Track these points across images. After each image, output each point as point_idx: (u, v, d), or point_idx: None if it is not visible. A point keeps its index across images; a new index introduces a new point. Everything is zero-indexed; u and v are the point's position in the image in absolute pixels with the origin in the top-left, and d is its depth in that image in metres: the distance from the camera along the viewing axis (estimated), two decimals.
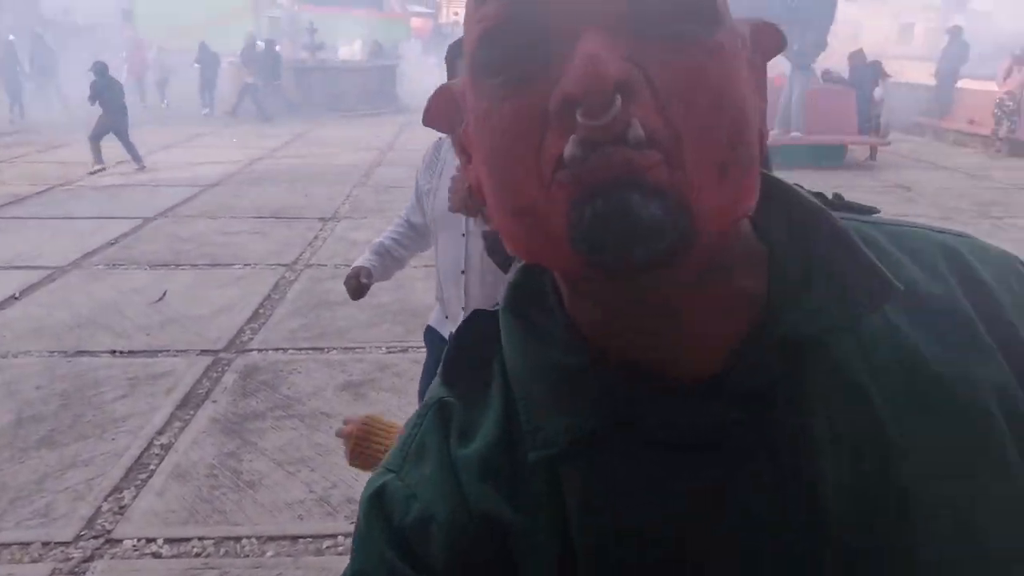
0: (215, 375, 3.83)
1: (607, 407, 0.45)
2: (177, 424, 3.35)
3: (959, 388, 0.46)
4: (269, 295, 5.05)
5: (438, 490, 0.49)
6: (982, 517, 0.44)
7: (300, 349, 4.19)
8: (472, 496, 0.48)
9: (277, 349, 4.18)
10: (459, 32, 0.56)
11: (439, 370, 0.54)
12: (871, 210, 0.56)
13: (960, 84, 14.39)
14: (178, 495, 2.84)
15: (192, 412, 3.46)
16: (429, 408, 0.53)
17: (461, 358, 0.53)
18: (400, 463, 0.52)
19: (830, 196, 0.55)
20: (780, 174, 0.51)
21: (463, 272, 1.98)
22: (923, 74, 16.27)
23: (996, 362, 0.47)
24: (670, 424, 0.44)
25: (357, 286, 2.14)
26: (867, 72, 11.11)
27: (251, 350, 4.16)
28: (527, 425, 0.47)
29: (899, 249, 0.50)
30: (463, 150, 0.48)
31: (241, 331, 4.41)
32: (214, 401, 3.56)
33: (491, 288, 1.87)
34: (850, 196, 0.56)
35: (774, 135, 10.07)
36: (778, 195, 0.50)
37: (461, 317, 2.00)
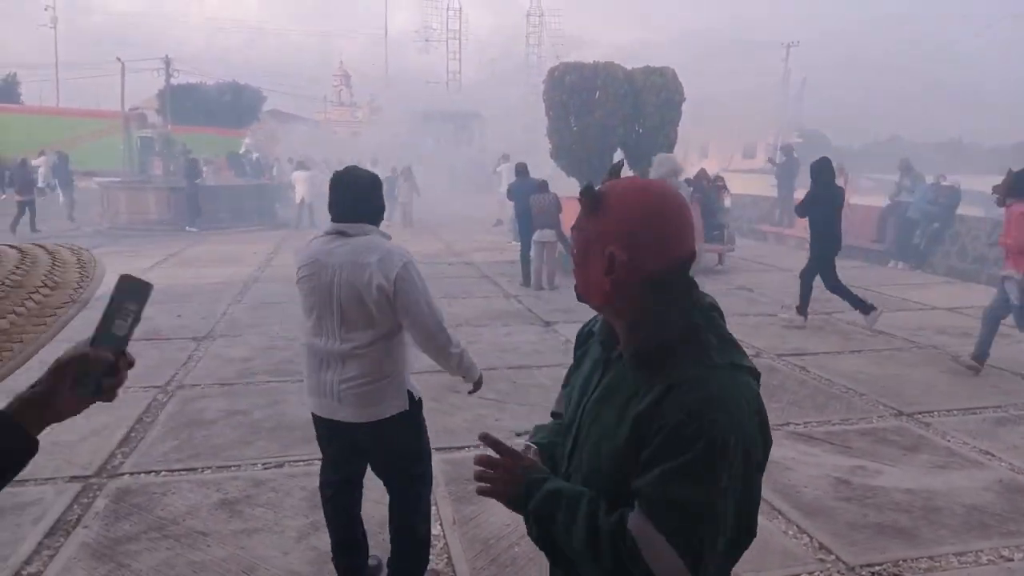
0: (86, 501, 3.82)
1: None
2: (46, 552, 3.33)
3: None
4: (141, 418, 5.04)
5: None
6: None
7: (173, 470, 4.22)
8: None
9: (150, 472, 4.20)
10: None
11: None
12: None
13: (797, 194, 16.12)
14: None
15: (62, 539, 3.44)
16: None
17: None
18: None
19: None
20: None
21: None
22: (764, 186, 18.08)
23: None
24: None
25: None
26: (711, 188, 12.33)
27: (123, 474, 4.16)
28: None
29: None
30: None
31: (112, 455, 4.40)
32: (85, 527, 3.55)
33: None
34: None
35: None
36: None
37: None
